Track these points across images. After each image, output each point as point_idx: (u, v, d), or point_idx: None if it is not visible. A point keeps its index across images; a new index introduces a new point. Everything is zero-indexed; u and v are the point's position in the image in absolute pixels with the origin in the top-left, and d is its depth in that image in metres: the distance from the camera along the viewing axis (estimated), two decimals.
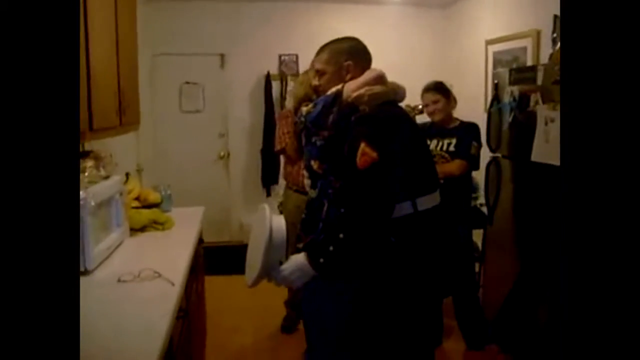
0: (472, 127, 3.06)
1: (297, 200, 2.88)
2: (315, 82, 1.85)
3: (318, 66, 1.83)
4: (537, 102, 2.67)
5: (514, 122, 2.89)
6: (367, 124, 1.65)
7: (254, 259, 1.68)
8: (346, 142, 1.65)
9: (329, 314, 1.75)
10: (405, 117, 1.78)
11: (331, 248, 1.58)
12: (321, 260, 1.60)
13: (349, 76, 1.76)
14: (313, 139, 1.78)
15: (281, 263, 1.65)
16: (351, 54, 1.79)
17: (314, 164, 1.78)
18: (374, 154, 1.57)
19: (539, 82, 2.68)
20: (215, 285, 3.60)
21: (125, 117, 2.43)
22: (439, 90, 3.07)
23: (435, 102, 3.04)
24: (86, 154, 2.19)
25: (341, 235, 1.57)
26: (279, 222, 1.65)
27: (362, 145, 1.59)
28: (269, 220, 1.63)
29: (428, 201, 1.72)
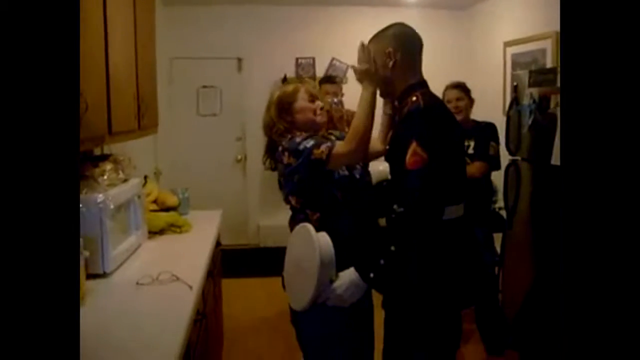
0: (489, 127, 3.04)
1: None
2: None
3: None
4: (557, 104, 2.63)
5: (533, 125, 2.86)
6: (419, 121, 1.60)
7: (302, 281, 1.64)
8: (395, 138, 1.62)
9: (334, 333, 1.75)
10: (455, 121, 1.76)
11: (382, 262, 1.55)
12: (371, 274, 1.57)
13: (391, 62, 1.73)
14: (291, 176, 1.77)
15: (331, 281, 1.60)
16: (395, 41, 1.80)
17: (292, 200, 1.81)
18: (425, 155, 1.53)
19: (559, 83, 2.64)
20: (232, 288, 3.60)
21: (144, 120, 2.44)
22: (463, 88, 3.07)
23: (458, 99, 3.03)
24: (105, 157, 2.21)
25: (392, 248, 1.54)
26: (325, 240, 1.60)
27: (414, 145, 1.54)
28: (316, 240, 1.59)
29: (454, 211, 1.65)
